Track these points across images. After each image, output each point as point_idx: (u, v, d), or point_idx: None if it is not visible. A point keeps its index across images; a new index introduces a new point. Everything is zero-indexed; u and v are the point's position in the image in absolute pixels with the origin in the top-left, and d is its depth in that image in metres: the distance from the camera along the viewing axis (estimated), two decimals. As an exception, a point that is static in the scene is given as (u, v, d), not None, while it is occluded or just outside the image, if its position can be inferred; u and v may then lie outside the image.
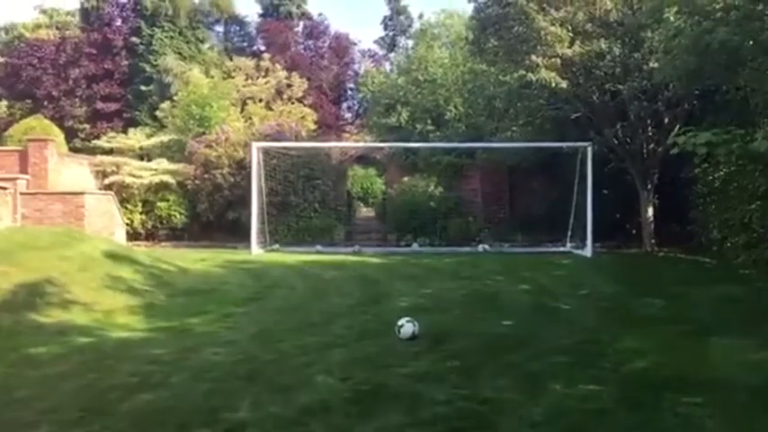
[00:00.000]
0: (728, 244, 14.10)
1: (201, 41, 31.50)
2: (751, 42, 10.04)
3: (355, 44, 38.47)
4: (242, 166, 20.39)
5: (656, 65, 14.87)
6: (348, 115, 38.48)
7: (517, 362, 6.22)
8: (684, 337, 7.22)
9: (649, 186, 17.65)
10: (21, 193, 15.73)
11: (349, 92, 38.44)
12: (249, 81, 25.54)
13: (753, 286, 11.01)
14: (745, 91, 12.19)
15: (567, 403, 4.94)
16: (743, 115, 12.39)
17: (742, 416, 4.57)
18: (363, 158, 26.35)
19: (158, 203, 21.17)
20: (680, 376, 5.64)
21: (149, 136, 24.17)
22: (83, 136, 28.19)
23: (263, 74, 26.25)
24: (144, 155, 23.15)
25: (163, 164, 21.68)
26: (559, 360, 6.27)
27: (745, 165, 12.80)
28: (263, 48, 34.77)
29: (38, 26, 32.85)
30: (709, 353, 6.44)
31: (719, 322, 7.98)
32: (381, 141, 23.94)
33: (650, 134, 17.16)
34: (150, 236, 21.22)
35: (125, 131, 25.29)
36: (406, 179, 22.09)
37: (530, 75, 15.91)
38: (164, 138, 23.29)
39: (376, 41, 41.46)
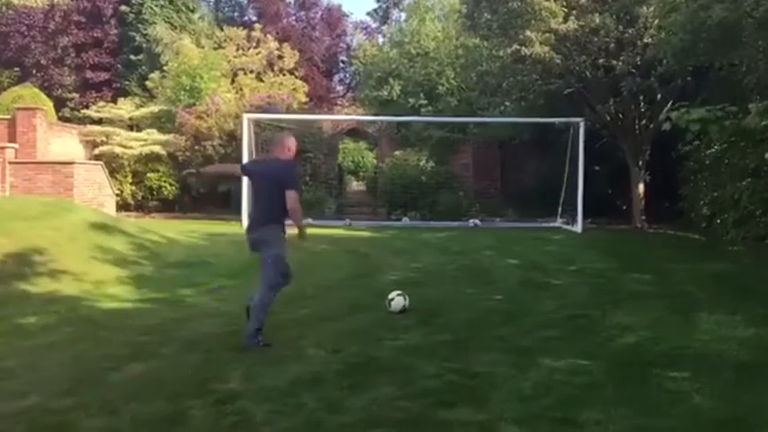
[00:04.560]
0: (718, 221, 14.16)
1: (192, 11, 30.97)
2: (749, 19, 10.00)
3: (348, 16, 38.07)
4: (233, 138, 20.25)
5: (650, 40, 14.83)
6: (340, 88, 38.20)
7: (507, 336, 6.25)
8: (673, 312, 7.27)
9: (641, 163, 17.67)
10: (9, 162, 15.63)
11: (341, 64, 38.12)
12: (240, 52, 25.25)
13: (742, 263, 11.10)
14: (738, 68, 12.17)
15: (557, 377, 4.97)
16: (736, 92, 12.38)
17: (729, 391, 4.61)
18: (355, 132, 26.23)
19: (148, 174, 21.06)
20: (668, 351, 5.69)
21: (139, 106, 23.91)
22: (72, 105, 27.82)
23: (254, 45, 25.94)
24: (134, 125, 22.94)
25: (153, 134, 21.50)
26: (549, 334, 6.31)
27: (737, 142, 12.82)
28: (254, 18, 34.37)
29: (26, -7, 32.31)
30: (698, 328, 6.49)
31: (708, 298, 8.03)
32: (373, 115, 23.83)
33: (643, 110, 17.15)
34: (140, 207, 21.13)
35: (114, 101, 24.97)
36: (397, 153, 22.01)
37: (523, 49, 15.82)
38: (154, 108, 23.05)
39: (369, 13, 41.14)
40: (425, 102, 22.74)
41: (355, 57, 31.63)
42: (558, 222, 18.24)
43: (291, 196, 5.95)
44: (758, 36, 10.50)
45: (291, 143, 6.39)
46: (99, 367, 5.21)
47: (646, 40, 15.21)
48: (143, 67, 27.26)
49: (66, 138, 20.03)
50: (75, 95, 28.48)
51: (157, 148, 20.95)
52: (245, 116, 18.88)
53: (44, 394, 4.55)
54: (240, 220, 17.59)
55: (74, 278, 9.00)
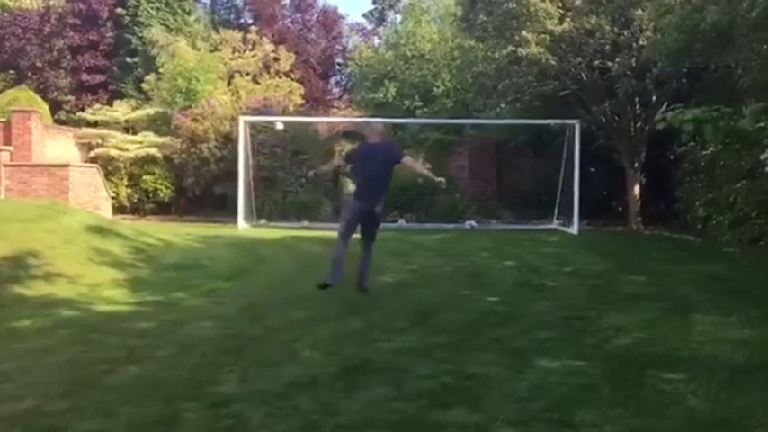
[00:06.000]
0: (714, 222, 14.17)
1: (188, 13, 30.98)
2: (743, 20, 10.04)
3: (343, 18, 38.14)
4: (229, 141, 20.25)
5: (645, 43, 14.87)
6: (336, 90, 38.24)
7: (503, 337, 6.24)
8: (669, 314, 7.28)
9: (636, 165, 17.71)
10: (4, 165, 15.62)
11: (337, 66, 38.15)
12: (236, 54, 25.27)
13: (737, 264, 11.11)
14: (733, 70, 12.20)
15: (552, 378, 4.97)
16: (731, 94, 12.40)
17: (724, 393, 4.61)
18: (351, 134, 26.23)
19: (144, 177, 21.03)
20: (663, 353, 5.69)
21: (135, 109, 23.91)
22: (67, 108, 27.83)
23: (250, 47, 25.97)
24: (129, 128, 22.93)
25: (149, 137, 21.50)
26: (545, 336, 6.31)
27: (732, 143, 12.83)
28: (250, 20, 34.39)
29: (21, -5, 32.26)
30: (693, 330, 6.49)
31: (704, 300, 8.04)
32: (369, 117, 23.83)
33: (638, 112, 17.20)
34: (136, 210, 21.11)
35: (110, 104, 24.97)
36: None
37: (519, 50, 15.85)
38: (149, 110, 23.05)
39: (364, 15, 41.10)
40: (420, 104, 22.78)
41: (351, 59, 31.69)
42: (555, 224, 18.26)
43: (408, 160, 8.65)
44: (753, 38, 10.52)
45: (381, 130, 8.80)
46: (94, 370, 5.19)
47: (641, 42, 15.25)
48: (139, 70, 27.27)
49: (61, 140, 19.99)
50: (71, 98, 28.48)
51: (153, 151, 20.93)
52: (241, 118, 18.88)
53: (39, 397, 4.54)
54: (236, 223, 17.60)
55: (69, 281, 8.98)
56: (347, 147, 31.13)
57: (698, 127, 8.39)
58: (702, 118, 8.23)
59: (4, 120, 17.32)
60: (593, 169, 18.47)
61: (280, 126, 17.50)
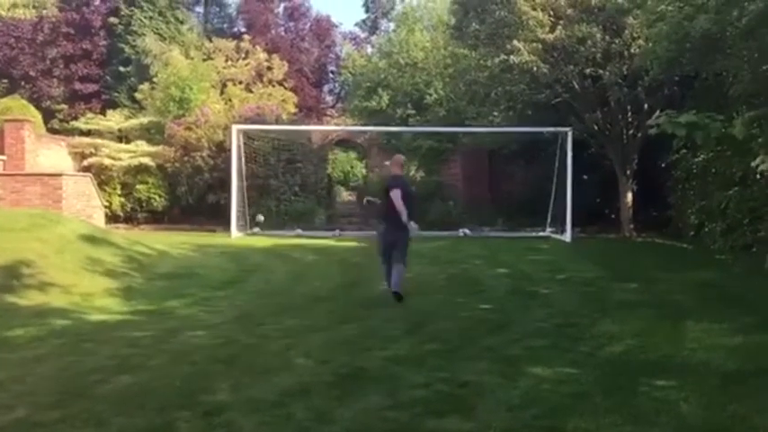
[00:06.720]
0: (706, 229, 14.23)
1: (181, 22, 31.01)
2: (733, 29, 10.11)
3: (336, 26, 38.21)
4: (222, 149, 20.23)
5: (636, 51, 14.94)
6: (329, 98, 38.28)
7: (496, 345, 6.26)
8: (661, 321, 7.30)
9: (629, 172, 17.76)
10: (-3, 174, 15.56)
11: (330, 75, 38.21)
12: (229, 63, 25.28)
13: (729, 272, 11.14)
14: (724, 77, 12.27)
15: (545, 386, 4.98)
16: (722, 102, 12.47)
17: (715, 399, 4.63)
18: (344, 142, 26.28)
19: (137, 186, 20.97)
20: (656, 360, 5.71)
21: (128, 118, 23.88)
22: (60, 117, 27.79)
23: (243, 56, 26.00)
24: (123, 137, 22.90)
25: (142, 146, 21.47)
26: (538, 344, 6.33)
27: (724, 151, 12.92)
28: (243, 29, 34.42)
29: (14, 5, 32.21)
30: (685, 337, 6.51)
31: (696, 307, 8.06)
32: (362, 125, 23.87)
33: (630, 120, 17.25)
34: (129, 219, 21.04)
35: (103, 113, 24.95)
36: (387, 163, 21.99)
37: (512, 58, 15.89)
38: (143, 119, 23.03)
39: (357, 24, 41.25)
40: (413, 112, 22.82)
41: (344, 67, 31.72)
42: (548, 231, 18.27)
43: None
44: (743, 46, 10.59)
45: (401, 160, 9.56)
46: (87, 380, 5.18)
47: (632, 51, 15.33)
48: (132, 79, 27.27)
49: (54, 149, 19.96)
50: (64, 107, 28.45)
51: (146, 160, 20.89)
52: (234, 127, 18.88)
53: (31, 407, 4.52)
54: (229, 231, 17.57)
55: (62, 290, 8.96)
56: (340, 155, 31.37)
57: (690, 132, 8.43)
58: (696, 122, 8.27)
59: (-4, 129, 17.28)
60: (585, 177, 18.51)
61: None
